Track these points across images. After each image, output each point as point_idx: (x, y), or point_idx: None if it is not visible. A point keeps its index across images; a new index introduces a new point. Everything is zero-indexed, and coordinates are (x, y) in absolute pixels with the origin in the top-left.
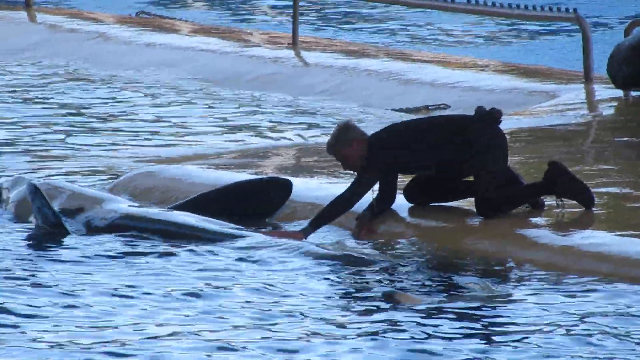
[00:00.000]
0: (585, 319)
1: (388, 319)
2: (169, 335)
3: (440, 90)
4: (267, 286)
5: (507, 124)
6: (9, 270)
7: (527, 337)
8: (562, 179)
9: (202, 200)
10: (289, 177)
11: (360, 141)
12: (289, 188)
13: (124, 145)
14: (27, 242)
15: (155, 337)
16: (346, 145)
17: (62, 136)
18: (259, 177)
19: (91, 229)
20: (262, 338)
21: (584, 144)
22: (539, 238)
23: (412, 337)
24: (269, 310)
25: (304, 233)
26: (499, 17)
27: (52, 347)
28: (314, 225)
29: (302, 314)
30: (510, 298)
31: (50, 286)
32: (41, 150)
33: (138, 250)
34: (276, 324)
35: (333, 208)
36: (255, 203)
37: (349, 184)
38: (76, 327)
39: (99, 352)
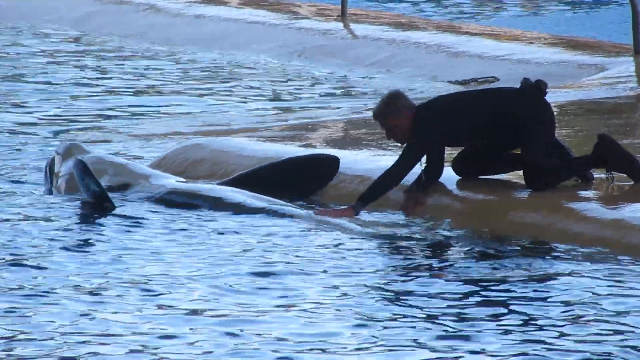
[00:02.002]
0: (634, 294)
1: (432, 296)
2: (211, 309)
3: (490, 62)
4: (301, 263)
5: (556, 97)
6: (55, 242)
7: (574, 312)
8: (611, 152)
9: (250, 176)
10: (336, 152)
11: (410, 111)
12: (336, 164)
13: (171, 117)
14: (74, 216)
15: (199, 310)
16: (395, 114)
17: (110, 108)
18: (307, 154)
19: (139, 202)
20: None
21: (633, 117)
22: (587, 211)
23: (459, 313)
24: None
25: (354, 210)
26: None
27: (95, 317)
28: (363, 201)
29: (345, 292)
30: (557, 272)
31: (94, 258)
32: (88, 124)
33: (182, 224)
34: (309, 300)
35: (381, 183)
36: (303, 179)
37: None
38: (120, 299)
39: (145, 322)
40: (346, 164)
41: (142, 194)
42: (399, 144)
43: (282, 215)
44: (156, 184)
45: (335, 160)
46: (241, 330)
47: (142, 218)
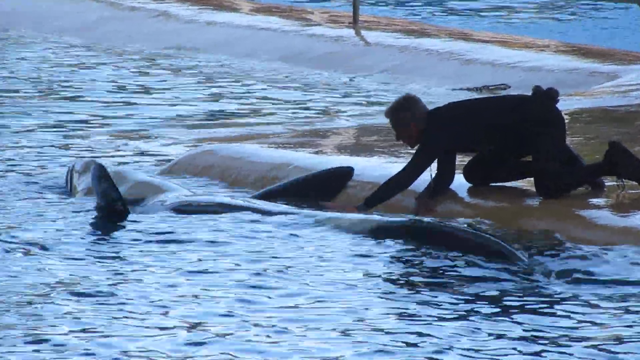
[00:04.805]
0: None
1: (440, 301)
2: (226, 315)
3: (501, 70)
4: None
5: (567, 105)
6: (71, 249)
7: (583, 320)
8: (622, 159)
9: (274, 193)
10: (347, 159)
11: (420, 114)
12: (350, 175)
13: (183, 124)
14: (90, 223)
15: (215, 317)
16: (406, 115)
17: (121, 116)
18: (323, 170)
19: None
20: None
21: None
22: (598, 219)
23: (466, 319)
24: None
25: (359, 210)
26: None
27: (108, 324)
28: (370, 204)
29: (352, 301)
30: (567, 278)
31: (110, 265)
32: (99, 132)
33: (198, 232)
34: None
35: (389, 187)
36: (321, 191)
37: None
38: (135, 306)
39: (158, 331)
40: (357, 171)
41: (161, 206)
42: (409, 147)
43: (290, 215)
44: (175, 197)
45: (349, 172)
46: (250, 346)
47: (158, 226)
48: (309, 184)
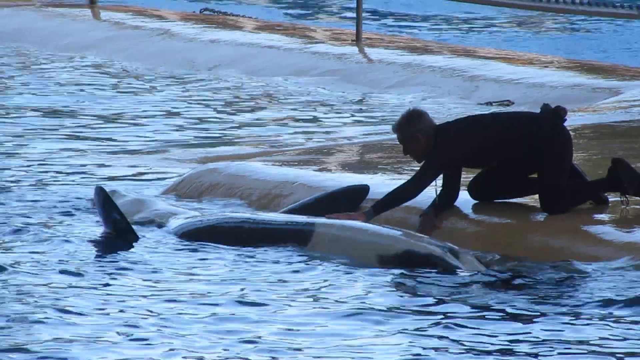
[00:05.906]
0: None
1: (449, 318)
2: (234, 341)
3: (505, 86)
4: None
5: (570, 121)
6: (77, 274)
7: (588, 335)
8: (626, 175)
9: (297, 210)
10: (352, 175)
11: (428, 129)
12: (366, 193)
13: (187, 142)
14: (95, 248)
15: (224, 342)
16: (414, 130)
17: (126, 134)
18: (341, 187)
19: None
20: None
21: None
22: (603, 234)
23: (472, 337)
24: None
25: (366, 216)
26: (563, 13)
27: (116, 349)
28: (376, 210)
29: (359, 316)
30: (572, 295)
31: (117, 290)
32: (101, 151)
33: (207, 255)
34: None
35: (396, 196)
36: (336, 208)
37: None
38: (142, 332)
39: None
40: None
41: (173, 230)
42: (416, 161)
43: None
44: (189, 222)
45: (365, 189)
46: None
47: (165, 249)
48: (329, 201)
